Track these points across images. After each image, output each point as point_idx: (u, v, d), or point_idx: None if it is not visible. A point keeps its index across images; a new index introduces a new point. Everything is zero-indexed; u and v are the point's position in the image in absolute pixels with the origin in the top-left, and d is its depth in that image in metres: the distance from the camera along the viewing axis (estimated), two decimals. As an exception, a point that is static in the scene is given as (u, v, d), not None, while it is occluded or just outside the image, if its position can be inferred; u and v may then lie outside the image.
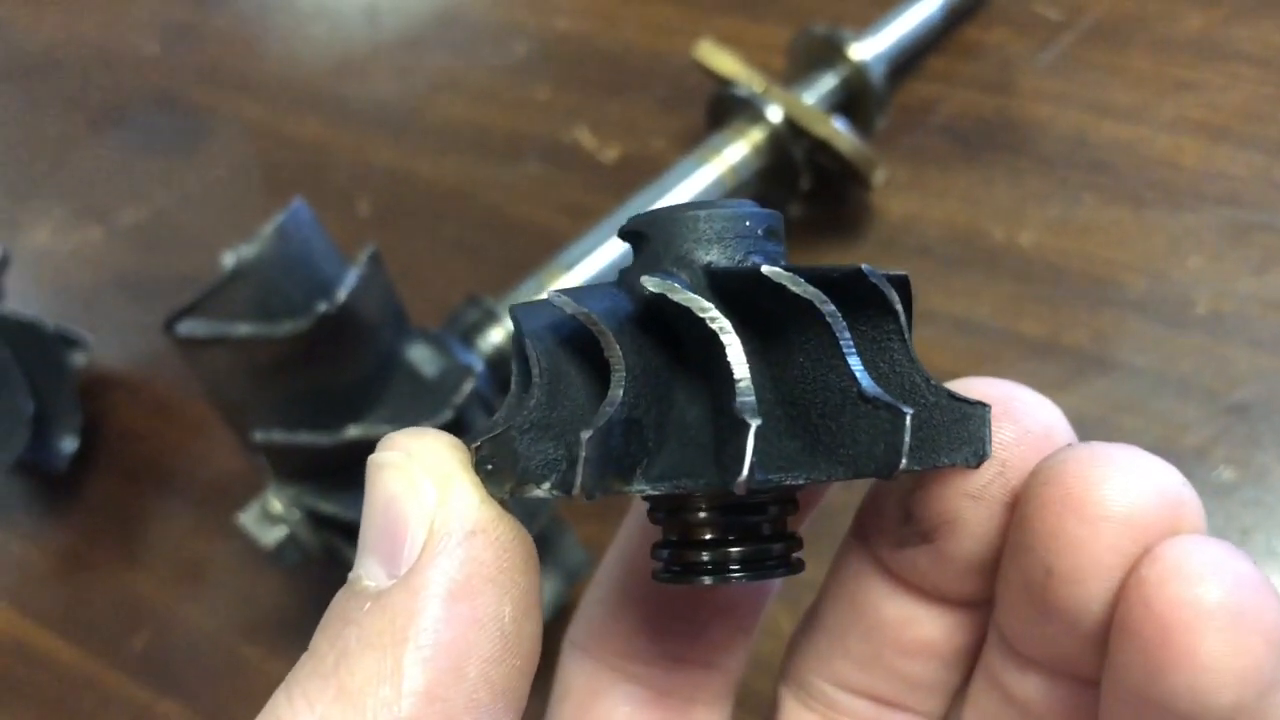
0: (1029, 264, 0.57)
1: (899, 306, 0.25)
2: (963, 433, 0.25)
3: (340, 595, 0.24)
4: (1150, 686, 0.24)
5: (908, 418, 0.23)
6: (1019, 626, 0.28)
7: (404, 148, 0.71)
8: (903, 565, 0.30)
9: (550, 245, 0.56)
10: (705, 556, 0.27)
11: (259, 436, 0.44)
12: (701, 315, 0.24)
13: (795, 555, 0.28)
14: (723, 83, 0.59)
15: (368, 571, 0.24)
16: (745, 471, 0.22)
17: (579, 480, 0.23)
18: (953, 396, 0.25)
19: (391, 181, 0.70)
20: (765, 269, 0.24)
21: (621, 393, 0.23)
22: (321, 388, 0.45)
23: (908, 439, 0.23)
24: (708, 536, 0.27)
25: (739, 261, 0.25)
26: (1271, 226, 0.56)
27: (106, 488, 0.63)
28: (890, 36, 0.61)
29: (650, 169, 0.60)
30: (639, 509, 0.32)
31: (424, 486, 0.24)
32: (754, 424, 0.23)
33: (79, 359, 0.63)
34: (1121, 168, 0.59)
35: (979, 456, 0.25)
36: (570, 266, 0.53)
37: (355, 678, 0.22)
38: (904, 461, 0.23)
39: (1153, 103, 0.61)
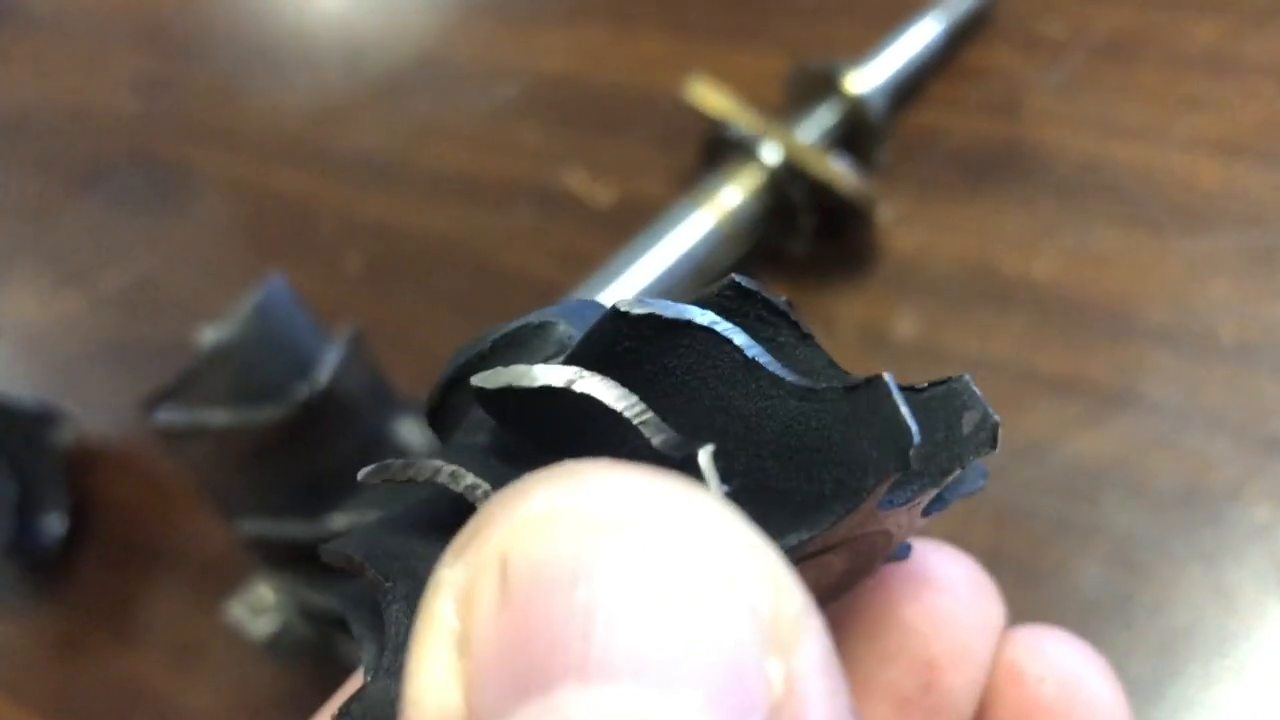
0: (1044, 297, 0.55)
1: (781, 304, 0.20)
2: (957, 420, 0.19)
3: None
4: None
5: (887, 380, 0.17)
6: None
7: (392, 198, 0.69)
8: None
9: (545, 295, 0.55)
10: None
11: (243, 529, 0.42)
12: (557, 384, 0.17)
13: None
14: (716, 123, 0.56)
15: (647, 709, 0.13)
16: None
17: None
18: (912, 388, 0.20)
19: (381, 234, 0.68)
20: (618, 303, 0.18)
21: None
22: (306, 472, 0.43)
23: (902, 401, 0.17)
24: None
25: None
26: (1297, 248, 0.53)
27: (98, 568, 0.61)
28: (890, 64, 0.59)
29: (646, 212, 0.58)
30: None
31: (747, 577, 0.14)
32: (705, 451, 0.17)
33: (65, 435, 0.62)
34: (1136, 192, 0.57)
35: (991, 428, 0.19)
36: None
37: None
38: (915, 429, 0.17)
39: (1166, 122, 0.59)
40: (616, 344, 0.18)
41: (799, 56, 0.62)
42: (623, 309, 0.18)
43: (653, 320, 0.18)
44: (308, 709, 0.23)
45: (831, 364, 0.20)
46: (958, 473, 0.19)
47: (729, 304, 0.20)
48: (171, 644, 0.58)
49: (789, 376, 0.18)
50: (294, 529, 0.42)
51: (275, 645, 0.45)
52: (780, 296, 0.21)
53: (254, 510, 0.43)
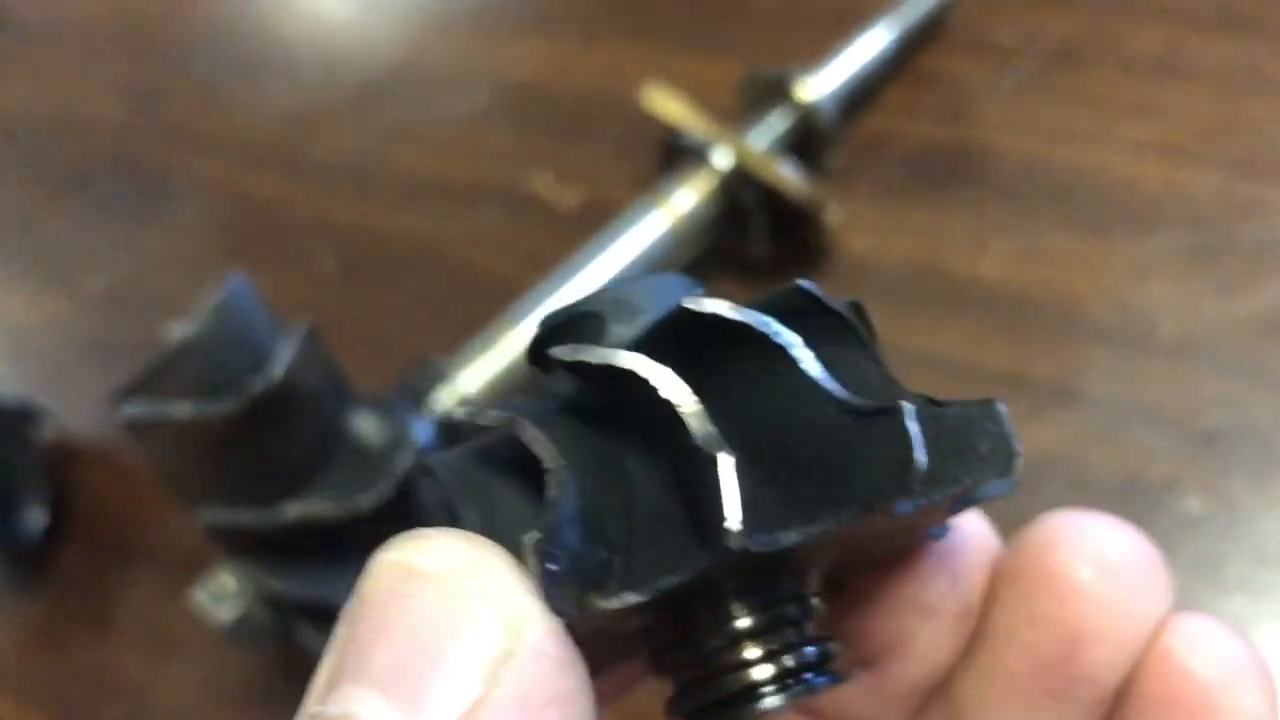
0: (991, 296, 0.56)
1: (849, 315, 0.22)
2: (977, 442, 0.21)
3: None
4: None
5: (907, 410, 0.19)
6: None
7: (366, 202, 0.71)
8: (830, 700, 0.27)
9: (512, 297, 0.56)
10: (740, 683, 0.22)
11: (204, 517, 0.44)
12: (619, 365, 0.20)
13: (834, 660, 0.23)
14: (673, 129, 0.58)
15: (368, 710, 0.18)
16: (732, 521, 0.19)
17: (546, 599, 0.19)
18: (946, 403, 0.21)
19: (354, 236, 0.70)
20: (686, 301, 0.20)
21: (560, 488, 0.19)
22: (263, 463, 0.45)
23: (915, 431, 0.19)
24: (729, 658, 0.22)
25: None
26: (1234, 248, 0.55)
27: (78, 560, 0.63)
28: (841, 71, 0.61)
29: (610, 215, 0.59)
30: None
31: (485, 618, 0.18)
32: (727, 457, 0.19)
33: (46, 432, 0.63)
34: (1082, 194, 0.58)
35: (1009, 460, 0.21)
36: (519, 320, 0.53)
37: None
38: (922, 459, 0.19)
39: (1112, 126, 0.60)
40: (683, 335, 0.21)
41: (758, 64, 0.63)
42: (690, 307, 0.20)
43: (716, 320, 0.20)
44: (271, 695, 0.25)
45: (883, 375, 0.22)
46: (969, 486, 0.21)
47: (791, 306, 0.22)
48: (146, 633, 0.59)
49: (833, 387, 0.20)
50: (251, 517, 0.44)
51: (237, 630, 0.47)
52: (843, 300, 0.22)
53: (214, 499, 0.45)
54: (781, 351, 0.20)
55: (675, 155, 0.58)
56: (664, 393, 0.20)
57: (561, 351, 0.21)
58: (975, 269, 0.57)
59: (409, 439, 0.45)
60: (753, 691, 0.21)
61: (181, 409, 0.43)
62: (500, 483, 0.21)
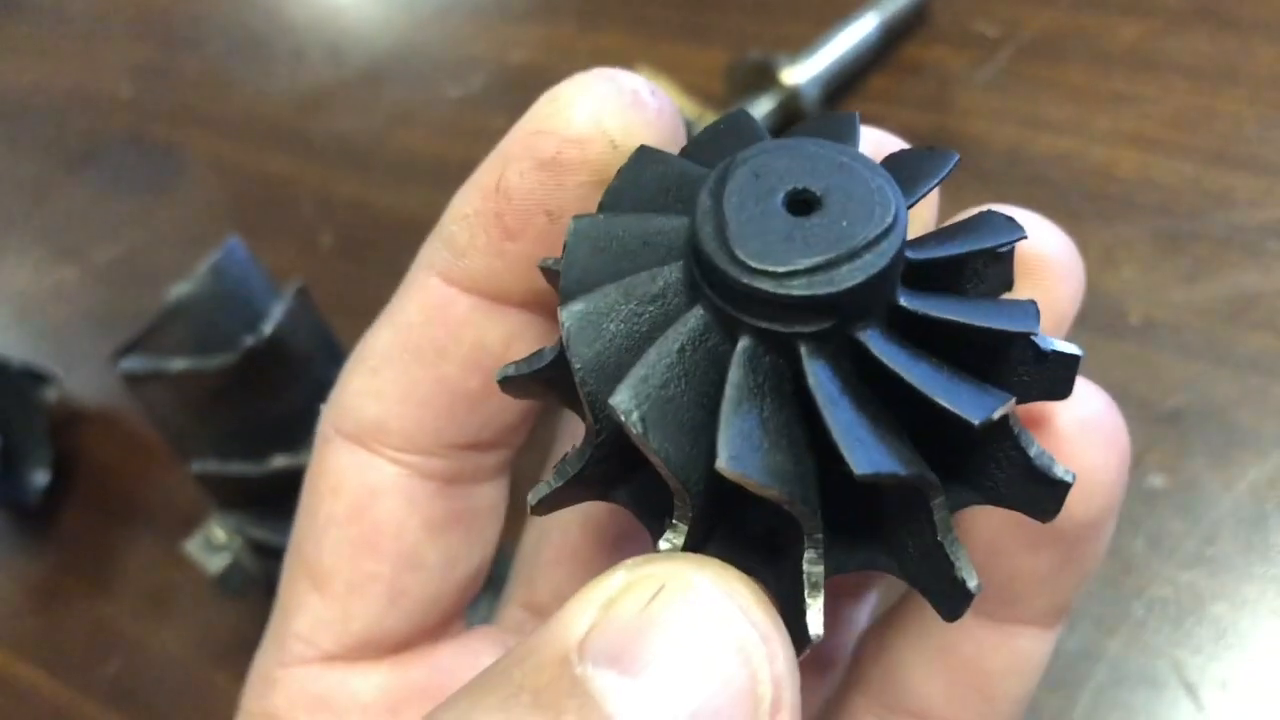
0: (966, 279, 0.58)
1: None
2: (1056, 376, 0.22)
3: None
4: None
5: (1071, 487, 0.21)
6: None
7: (366, 180, 0.73)
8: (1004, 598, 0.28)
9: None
10: None
11: (195, 467, 0.45)
12: (945, 548, 0.21)
13: None
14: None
15: (627, 713, 0.19)
16: (972, 583, 0.21)
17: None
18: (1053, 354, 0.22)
19: (354, 213, 0.72)
20: (978, 423, 0.20)
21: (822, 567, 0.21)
22: (256, 419, 0.47)
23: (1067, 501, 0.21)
24: None
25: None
26: (1202, 235, 0.56)
27: (79, 520, 0.64)
28: (825, 59, 0.62)
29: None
30: (423, 281, 0.27)
31: (761, 708, 0.19)
32: (976, 590, 0.21)
33: (50, 394, 0.65)
34: (1057, 181, 0.60)
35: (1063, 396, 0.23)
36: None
37: None
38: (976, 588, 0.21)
39: (1088, 116, 0.62)
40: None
41: (746, 51, 0.65)
42: (978, 427, 0.20)
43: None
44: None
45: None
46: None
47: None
48: (146, 590, 0.61)
49: (1034, 454, 0.21)
50: (242, 468, 0.45)
51: (226, 580, 0.49)
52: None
53: (207, 451, 0.46)
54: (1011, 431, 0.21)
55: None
56: (967, 585, 0.21)
57: (864, 471, 0.19)
58: (952, 252, 0.59)
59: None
60: None
61: (177, 363, 0.45)
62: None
